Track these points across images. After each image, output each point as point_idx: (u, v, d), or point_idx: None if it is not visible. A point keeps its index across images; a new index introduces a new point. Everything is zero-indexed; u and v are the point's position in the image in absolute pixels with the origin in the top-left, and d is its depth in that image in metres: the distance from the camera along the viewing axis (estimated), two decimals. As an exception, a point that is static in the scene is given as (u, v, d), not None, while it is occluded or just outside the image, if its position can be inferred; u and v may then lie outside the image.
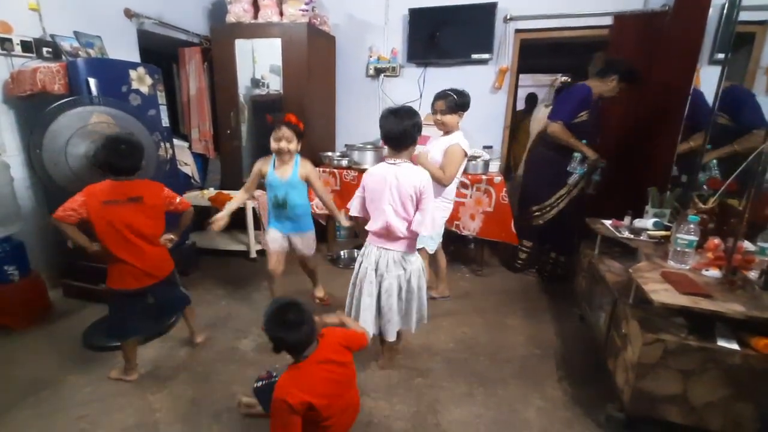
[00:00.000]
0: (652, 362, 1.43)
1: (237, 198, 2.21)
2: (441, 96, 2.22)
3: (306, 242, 2.30)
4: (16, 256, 2.29)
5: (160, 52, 3.68)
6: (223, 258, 3.35)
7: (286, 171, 2.14)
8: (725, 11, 2.15)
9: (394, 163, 1.67)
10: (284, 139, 2.05)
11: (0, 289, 2.21)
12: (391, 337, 1.84)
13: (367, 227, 1.77)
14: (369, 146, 3.33)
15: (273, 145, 2.07)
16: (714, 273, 1.58)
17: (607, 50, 3.18)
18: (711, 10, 2.28)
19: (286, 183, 2.13)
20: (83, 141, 1.96)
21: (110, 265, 1.72)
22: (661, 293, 1.42)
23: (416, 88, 3.73)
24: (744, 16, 1.98)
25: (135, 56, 3.15)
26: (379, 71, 3.81)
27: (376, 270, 1.75)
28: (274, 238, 2.23)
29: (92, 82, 2.23)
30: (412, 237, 1.74)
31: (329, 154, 3.45)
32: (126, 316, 1.79)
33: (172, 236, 1.85)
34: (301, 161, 2.17)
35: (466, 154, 2.19)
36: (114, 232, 1.66)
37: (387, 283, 1.74)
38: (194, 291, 2.06)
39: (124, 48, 3.04)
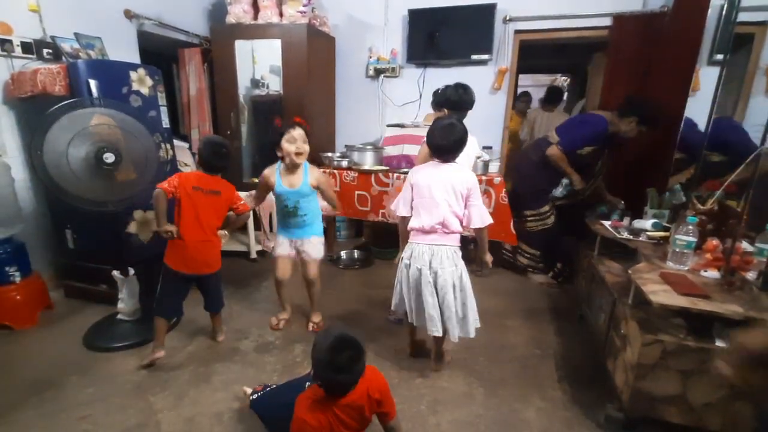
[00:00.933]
0: (651, 363, 1.44)
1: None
2: (437, 94, 2.19)
3: (314, 247, 2.21)
4: (18, 257, 2.30)
5: (160, 53, 3.69)
6: (224, 259, 3.33)
7: (295, 180, 2.06)
8: (724, 12, 2.16)
9: (443, 163, 1.77)
10: (300, 139, 2.00)
11: (1, 289, 2.22)
12: (455, 337, 1.82)
13: (412, 225, 1.80)
14: (369, 147, 3.34)
15: (288, 147, 1.99)
16: (712, 274, 1.59)
17: (607, 51, 3.19)
18: (710, 10, 2.28)
19: (296, 192, 2.06)
20: (84, 142, 1.96)
21: (172, 244, 1.93)
22: (660, 294, 1.43)
23: (416, 88, 3.74)
24: (743, 16, 1.99)
25: (135, 57, 3.16)
26: (378, 72, 3.81)
27: (429, 268, 1.75)
28: (282, 244, 2.21)
29: (93, 83, 2.23)
30: (461, 233, 1.80)
31: (329, 154, 3.46)
32: (171, 295, 1.98)
33: (226, 232, 2.10)
34: (310, 168, 2.10)
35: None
36: (193, 215, 1.91)
37: (442, 280, 1.74)
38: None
39: (124, 49, 3.04)
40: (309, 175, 2.08)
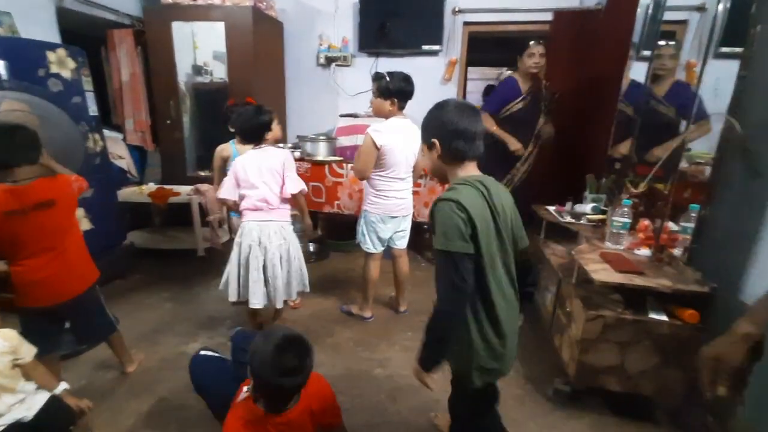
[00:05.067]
0: (594, 337, 1.54)
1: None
2: (374, 77, 2.09)
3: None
4: None
5: (86, 34, 3.32)
6: (166, 258, 3.13)
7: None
8: (650, 11, 2.32)
9: (260, 148, 1.95)
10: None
11: None
12: (280, 303, 2.00)
13: (242, 206, 1.93)
14: (322, 137, 3.26)
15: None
16: (645, 252, 1.73)
17: (548, 44, 3.34)
18: (639, 9, 2.45)
19: None
20: (-8, 131, 1.72)
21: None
22: (600, 272, 1.53)
23: (369, 78, 3.68)
24: (668, 15, 2.15)
25: (55, 37, 2.81)
26: (330, 60, 3.72)
27: (259, 244, 1.89)
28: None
29: (0, 63, 1.96)
30: (285, 207, 1.98)
31: (280, 145, 3.32)
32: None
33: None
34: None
35: (376, 145, 2.00)
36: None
37: (271, 254, 1.90)
38: (135, 295, 1.90)
39: (40, 27, 2.70)
40: None
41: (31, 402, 1.36)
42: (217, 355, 1.50)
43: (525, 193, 2.87)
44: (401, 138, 2.06)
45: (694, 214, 1.64)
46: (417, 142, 2.08)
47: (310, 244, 3.45)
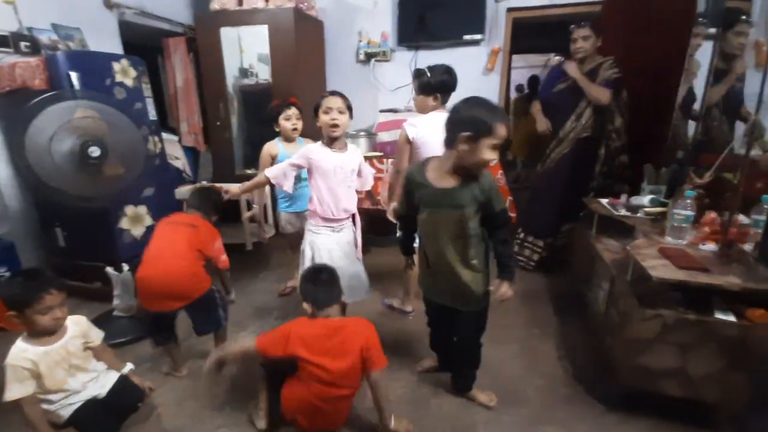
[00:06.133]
0: (651, 337, 1.44)
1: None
2: (414, 74, 2.04)
3: None
4: (7, 257, 2.26)
5: (144, 43, 3.58)
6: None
7: (294, 149, 2.21)
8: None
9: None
10: (294, 117, 2.27)
11: (-7, 290, 2.18)
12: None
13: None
14: (362, 133, 3.29)
15: (285, 124, 2.27)
16: (711, 247, 1.59)
17: (599, 25, 3.13)
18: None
19: None
20: (69, 136, 1.91)
21: None
22: (659, 269, 1.43)
23: (408, 72, 3.67)
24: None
25: (117, 48, 3.06)
26: (369, 56, 3.74)
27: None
28: (289, 221, 2.40)
29: (74, 75, 2.16)
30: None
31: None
32: None
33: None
34: (305, 141, 2.33)
35: (408, 139, 1.97)
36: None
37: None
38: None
39: (105, 40, 2.95)
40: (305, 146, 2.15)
41: (104, 380, 1.50)
42: None
43: (564, 179, 2.70)
44: (437, 132, 2.02)
45: (767, 206, 1.49)
46: None
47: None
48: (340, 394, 1.41)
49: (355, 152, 1.91)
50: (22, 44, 2.43)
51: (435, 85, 1.94)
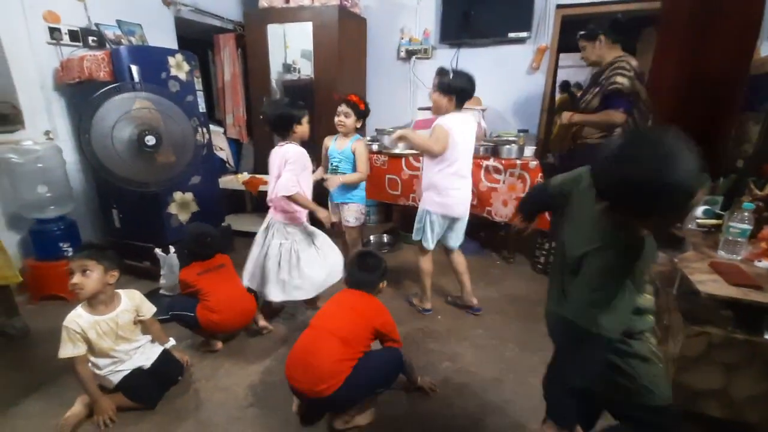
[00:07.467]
0: (695, 355, 1.37)
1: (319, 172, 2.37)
2: (437, 72, 2.02)
3: (350, 211, 2.39)
4: (70, 234, 2.47)
5: (197, 39, 3.78)
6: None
7: (344, 144, 2.33)
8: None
9: (281, 145, 2.02)
10: (342, 114, 2.28)
11: (57, 263, 2.39)
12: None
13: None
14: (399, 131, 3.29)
15: (335, 119, 2.32)
16: (767, 264, 1.47)
17: (657, 25, 2.96)
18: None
19: (340, 153, 2.33)
20: (128, 125, 2.06)
21: None
22: (709, 284, 1.34)
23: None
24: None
25: (173, 43, 3.25)
26: (410, 53, 3.74)
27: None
28: (332, 209, 2.45)
29: (134, 69, 2.32)
30: (282, 206, 2.08)
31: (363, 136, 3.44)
32: None
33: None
34: (357, 139, 2.35)
35: (449, 136, 1.99)
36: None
37: (271, 250, 2.09)
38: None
39: (162, 35, 3.14)
40: (354, 142, 2.32)
41: (149, 352, 1.62)
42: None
43: None
44: (466, 131, 2.06)
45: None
46: (474, 136, 2.13)
47: (384, 235, 3.54)
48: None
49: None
50: (90, 39, 2.63)
51: (455, 88, 1.97)
